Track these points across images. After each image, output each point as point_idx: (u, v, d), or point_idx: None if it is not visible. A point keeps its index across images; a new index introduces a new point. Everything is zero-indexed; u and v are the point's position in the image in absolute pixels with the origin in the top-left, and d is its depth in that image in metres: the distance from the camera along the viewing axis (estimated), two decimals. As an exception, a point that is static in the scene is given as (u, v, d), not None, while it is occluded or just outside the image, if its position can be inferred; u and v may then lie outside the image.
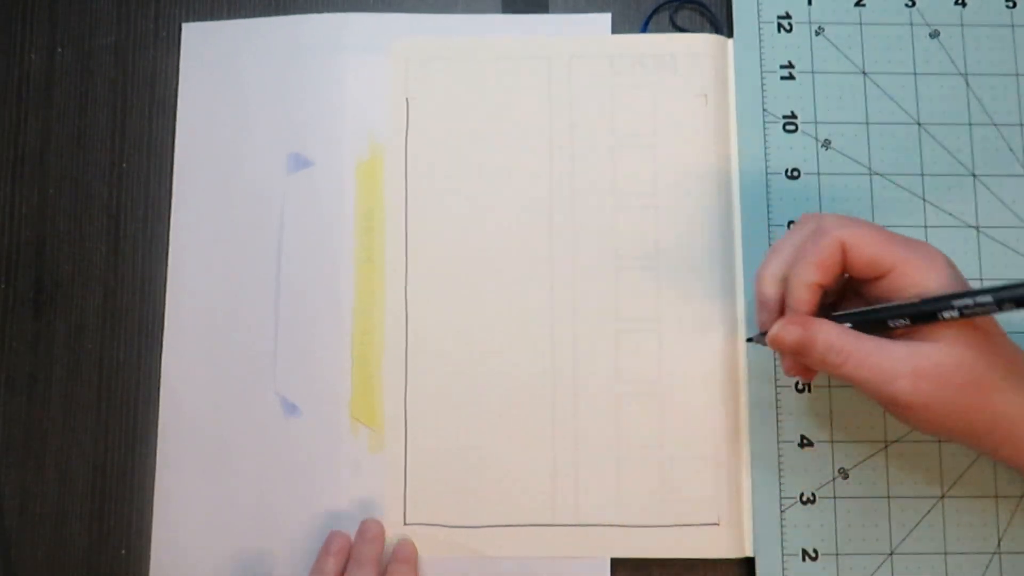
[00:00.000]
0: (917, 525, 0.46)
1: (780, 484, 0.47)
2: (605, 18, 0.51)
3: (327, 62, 0.51)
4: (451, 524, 0.47)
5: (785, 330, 0.39)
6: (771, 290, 0.41)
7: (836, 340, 0.38)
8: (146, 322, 0.50)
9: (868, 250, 0.38)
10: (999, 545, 0.46)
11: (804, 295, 0.39)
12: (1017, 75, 0.50)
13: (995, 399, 0.38)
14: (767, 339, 0.41)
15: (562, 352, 0.48)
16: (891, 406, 0.39)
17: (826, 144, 0.49)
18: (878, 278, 0.38)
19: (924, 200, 0.49)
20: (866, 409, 0.47)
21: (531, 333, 0.48)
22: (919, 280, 0.37)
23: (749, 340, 0.47)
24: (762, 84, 0.50)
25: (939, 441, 0.47)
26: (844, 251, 0.38)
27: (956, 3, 0.51)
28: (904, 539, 0.46)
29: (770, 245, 0.49)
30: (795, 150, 0.50)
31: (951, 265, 0.38)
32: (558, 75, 0.50)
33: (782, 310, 0.41)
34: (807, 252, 0.39)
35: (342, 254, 0.49)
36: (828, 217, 0.39)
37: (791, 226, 0.49)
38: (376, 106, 0.50)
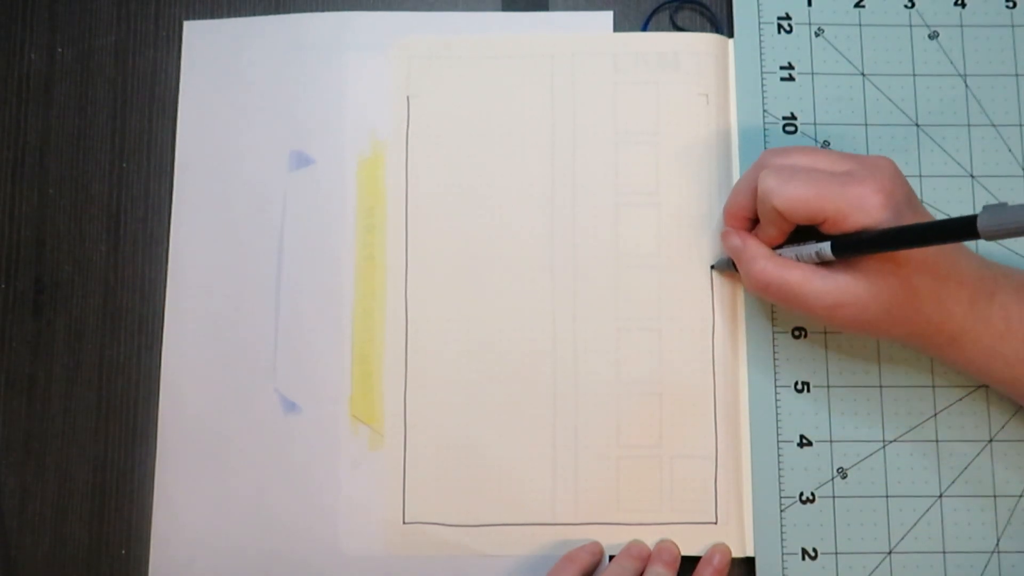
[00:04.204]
0: (916, 524, 0.47)
1: (779, 483, 0.47)
2: (607, 16, 0.51)
3: (328, 60, 0.51)
4: (450, 523, 0.47)
5: (730, 238, 0.45)
6: (733, 224, 0.46)
7: (763, 268, 0.43)
8: (146, 322, 0.50)
9: (800, 212, 0.41)
10: (998, 544, 0.46)
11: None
12: (1016, 75, 0.50)
13: (911, 323, 0.42)
14: (721, 235, 0.47)
15: (562, 350, 0.48)
16: (814, 320, 0.45)
17: (825, 145, 0.50)
18: (820, 224, 0.41)
19: (923, 201, 0.49)
20: (865, 409, 0.48)
21: (531, 331, 0.48)
22: (849, 225, 0.40)
23: (712, 267, 0.48)
24: (762, 85, 0.50)
25: (937, 441, 0.47)
26: (781, 214, 0.41)
27: (955, 4, 0.51)
28: (903, 538, 0.46)
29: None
30: (794, 151, 0.50)
31: (885, 201, 0.40)
32: (561, 73, 0.50)
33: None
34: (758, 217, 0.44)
35: (343, 252, 0.49)
36: (767, 178, 0.42)
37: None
38: (377, 104, 0.50)
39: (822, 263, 0.42)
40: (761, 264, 0.43)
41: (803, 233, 0.43)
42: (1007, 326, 0.41)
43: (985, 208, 0.34)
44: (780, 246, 0.44)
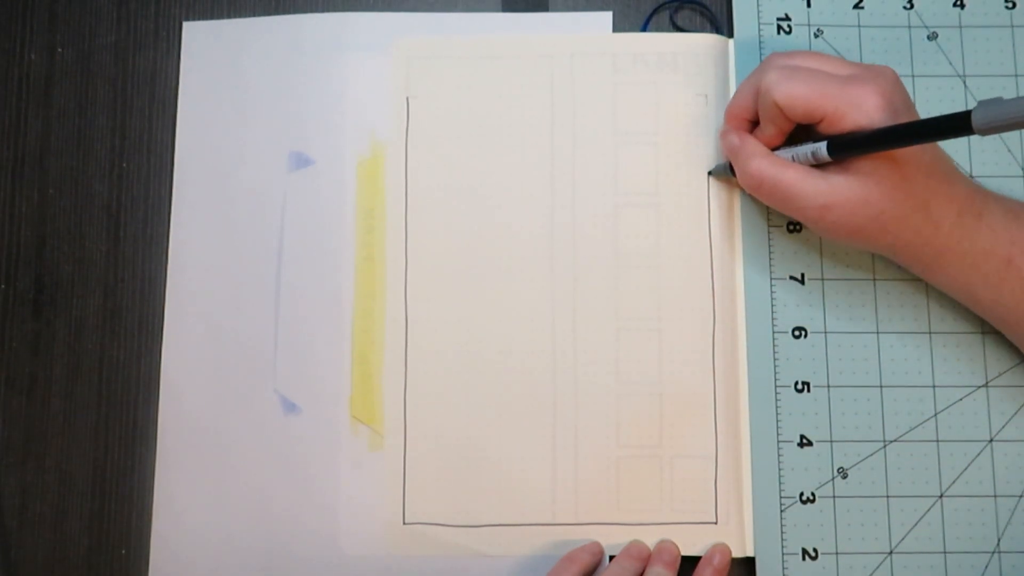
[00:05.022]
0: (916, 524, 0.47)
1: (780, 484, 0.47)
2: (606, 16, 0.51)
3: (328, 61, 0.51)
4: (450, 523, 0.47)
5: (728, 136, 0.46)
6: (734, 125, 0.46)
7: (758, 166, 0.43)
8: (146, 322, 0.50)
9: (800, 108, 0.42)
10: (998, 544, 0.46)
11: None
12: (1016, 76, 0.50)
13: (899, 231, 0.42)
14: (720, 134, 0.47)
15: (562, 351, 0.48)
16: (804, 223, 0.45)
17: (825, 145, 0.50)
18: (818, 123, 0.42)
19: (922, 201, 0.49)
20: (865, 409, 0.48)
21: (531, 332, 0.48)
22: (847, 124, 0.41)
23: (709, 173, 0.49)
24: (761, 85, 0.50)
25: (937, 441, 0.47)
26: (781, 110, 0.42)
27: (954, 5, 0.51)
28: (903, 538, 0.46)
29: (769, 245, 0.49)
30: (794, 151, 0.50)
31: (883, 103, 0.41)
32: (560, 73, 0.50)
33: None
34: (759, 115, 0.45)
35: (342, 253, 0.49)
36: (769, 73, 0.43)
37: (789, 225, 0.49)
38: (377, 105, 0.50)
39: (818, 165, 0.43)
40: (757, 162, 0.44)
41: (800, 139, 0.44)
42: (992, 244, 0.42)
43: (980, 103, 0.34)
44: (777, 149, 0.45)
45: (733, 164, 0.46)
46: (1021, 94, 0.50)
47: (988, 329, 0.48)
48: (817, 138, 0.42)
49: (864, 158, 0.41)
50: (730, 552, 0.46)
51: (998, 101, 0.34)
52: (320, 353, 0.49)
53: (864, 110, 0.41)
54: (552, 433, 0.48)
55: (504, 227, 0.49)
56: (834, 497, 0.47)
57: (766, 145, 0.45)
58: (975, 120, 0.35)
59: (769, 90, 0.42)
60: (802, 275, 0.49)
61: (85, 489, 0.48)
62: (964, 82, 0.50)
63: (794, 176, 0.43)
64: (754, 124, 0.46)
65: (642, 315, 0.48)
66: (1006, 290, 0.43)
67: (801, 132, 0.44)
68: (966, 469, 0.47)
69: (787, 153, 0.44)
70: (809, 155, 0.43)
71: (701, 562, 0.46)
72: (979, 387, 0.48)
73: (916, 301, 0.48)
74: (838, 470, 0.47)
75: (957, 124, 0.36)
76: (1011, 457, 0.47)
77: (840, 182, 0.42)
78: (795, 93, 0.41)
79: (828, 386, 0.48)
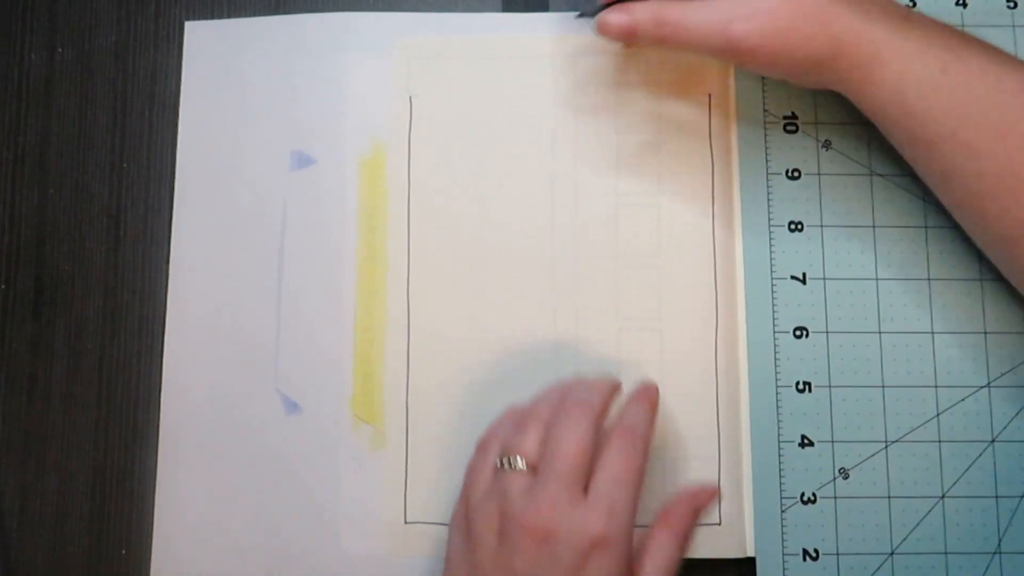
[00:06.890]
0: (918, 525, 0.46)
1: (781, 484, 0.47)
2: (608, 17, 0.51)
3: (329, 61, 0.51)
4: (451, 524, 0.47)
5: (611, 16, 0.42)
6: None
7: (659, 11, 0.41)
8: (146, 322, 0.50)
9: None
10: (999, 545, 0.46)
11: None
12: (1017, 75, 0.50)
13: (833, 25, 0.40)
14: (597, 23, 0.44)
15: (563, 350, 0.48)
16: (733, 55, 0.42)
17: (826, 145, 0.50)
18: None
19: (924, 200, 0.49)
20: (867, 409, 0.47)
21: (533, 331, 0.48)
22: None
23: (579, 15, 0.48)
24: (762, 84, 0.50)
25: (939, 441, 0.47)
26: None
27: (957, 4, 0.51)
28: (905, 539, 0.46)
29: (770, 245, 0.49)
30: (796, 150, 0.50)
31: None
32: (561, 73, 0.50)
33: None
34: None
35: (344, 252, 0.49)
36: None
37: (791, 225, 0.49)
38: (378, 104, 0.50)
39: None
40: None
41: None
42: (926, 46, 0.41)
43: None
44: None
45: (631, 39, 0.43)
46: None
47: (991, 329, 0.48)
48: None
49: None
50: (656, 388, 0.44)
51: None
52: (322, 352, 0.49)
53: None
54: (553, 433, 0.48)
55: (505, 226, 0.49)
56: (835, 498, 0.47)
57: None
58: None
59: None
60: (803, 275, 0.49)
61: (85, 489, 0.48)
62: (966, 81, 0.50)
63: (698, 4, 0.41)
64: None
65: (643, 315, 0.48)
66: (936, 101, 0.41)
67: None
68: (968, 470, 0.47)
69: None
70: None
71: (632, 395, 0.43)
72: (981, 388, 0.48)
73: (918, 301, 0.48)
74: (839, 470, 0.47)
75: None
76: (1013, 458, 0.47)
77: None
78: None
79: (829, 386, 0.48)
